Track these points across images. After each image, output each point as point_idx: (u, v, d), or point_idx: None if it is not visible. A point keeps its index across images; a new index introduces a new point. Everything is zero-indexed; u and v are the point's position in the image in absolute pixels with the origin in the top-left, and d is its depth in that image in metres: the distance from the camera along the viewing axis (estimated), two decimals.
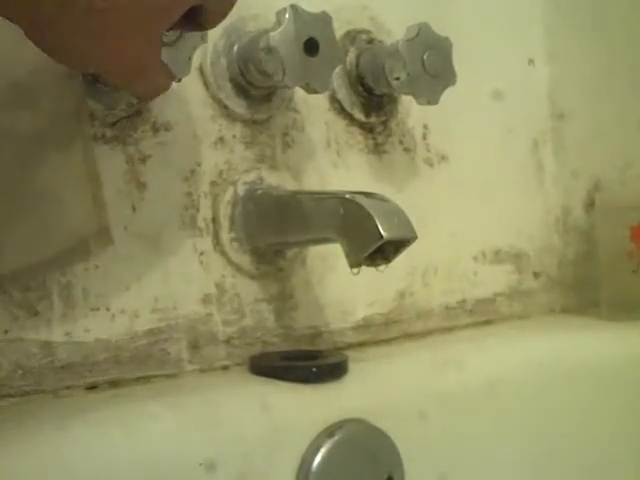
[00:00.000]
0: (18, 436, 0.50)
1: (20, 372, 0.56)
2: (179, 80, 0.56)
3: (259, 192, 0.65)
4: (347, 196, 0.56)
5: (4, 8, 0.44)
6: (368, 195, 0.57)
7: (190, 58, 0.56)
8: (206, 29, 0.53)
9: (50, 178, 0.56)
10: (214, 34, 0.63)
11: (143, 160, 0.61)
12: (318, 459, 0.57)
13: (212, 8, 0.50)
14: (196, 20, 0.51)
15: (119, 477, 0.51)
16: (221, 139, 0.65)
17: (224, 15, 0.52)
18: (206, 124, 0.65)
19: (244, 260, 0.65)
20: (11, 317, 0.56)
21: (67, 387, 0.58)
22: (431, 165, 0.77)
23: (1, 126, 0.55)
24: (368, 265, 0.56)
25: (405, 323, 0.75)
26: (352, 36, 0.72)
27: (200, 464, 0.53)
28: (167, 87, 0.55)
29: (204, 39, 0.57)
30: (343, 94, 0.71)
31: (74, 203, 0.57)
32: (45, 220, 0.56)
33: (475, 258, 0.80)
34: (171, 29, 0.49)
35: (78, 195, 0.57)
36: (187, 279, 0.63)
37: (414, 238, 0.55)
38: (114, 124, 0.60)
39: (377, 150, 0.74)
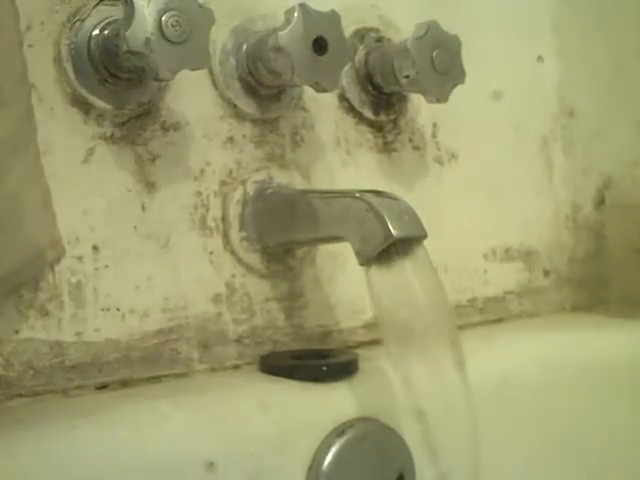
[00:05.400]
0: (29, 436, 0.50)
1: (31, 372, 0.57)
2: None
3: (269, 191, 0.65)
4: (357, 195, 0.56)
5: None
6: (378, 194, 0.57)
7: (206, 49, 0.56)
8: None
9: (15, 185, 0.53)
10: (223, 34, 0.64)
11: (152, 160, 0.61)
12: (329, 458, 0.57)
13: None
14: None
15: (129, 476, 0.51)
16: (230, 138, 0.65)
17: None
18: (215, 124, 0.64)
19: (254, 259, 0.65)
20: (22, 317, 0.56)
21: (77, 387, 0.58)
22: (441, 163, 0.77)
23: None
24: (378, 264, 0.56)
25: None
26: (361, 34, 0.72)
27: (211, 463, 0.53)
28: None
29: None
30: (352, 92, 0.71)
31: (30, 212, 0.54)
32: (5, 229, 0.53)
33: (485, 256, 0.80)
34: None
35: (33, 204, 0.54)
36: (197, 279, 0.63)
37: (424, 236, 0.55)
38: (123, 124, 0.60)
39: (386, 148, 0.74)
